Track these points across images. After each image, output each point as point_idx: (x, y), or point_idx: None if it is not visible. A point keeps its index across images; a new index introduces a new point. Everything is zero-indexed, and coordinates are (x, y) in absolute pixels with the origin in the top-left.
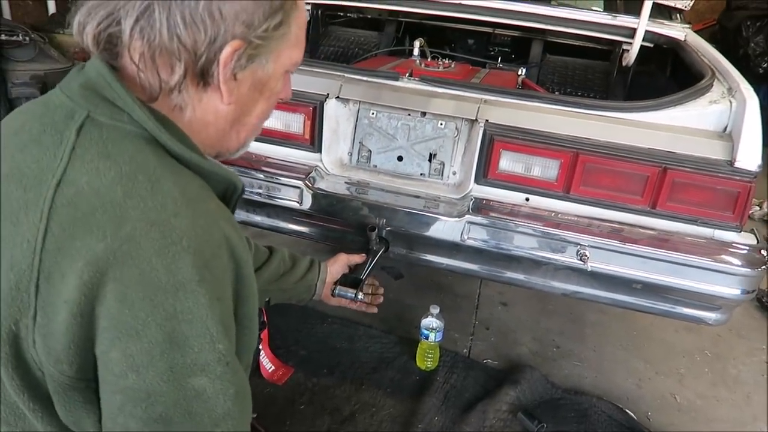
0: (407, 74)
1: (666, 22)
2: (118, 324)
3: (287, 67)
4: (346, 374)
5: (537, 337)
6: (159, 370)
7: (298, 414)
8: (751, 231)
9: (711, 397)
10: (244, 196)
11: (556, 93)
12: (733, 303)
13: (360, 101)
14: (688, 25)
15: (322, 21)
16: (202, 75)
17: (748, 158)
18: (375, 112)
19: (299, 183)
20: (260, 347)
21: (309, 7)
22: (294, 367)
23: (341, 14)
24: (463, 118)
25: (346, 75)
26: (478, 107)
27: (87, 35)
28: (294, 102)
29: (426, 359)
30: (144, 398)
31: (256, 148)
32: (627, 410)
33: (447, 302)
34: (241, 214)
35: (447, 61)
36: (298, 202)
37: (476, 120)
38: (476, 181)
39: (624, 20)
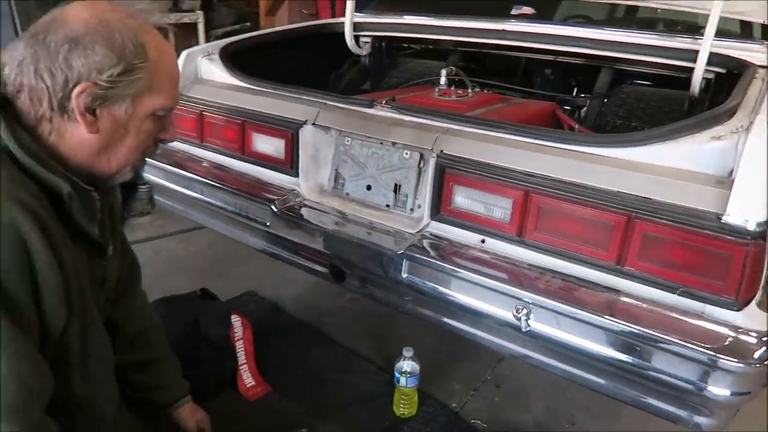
0: (384, 101)
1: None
2: None
3: (150, 110)
4: (319, 405)
5: (553, 406)
6: None
7: None
8: None
9: None
10: (227, 213)
11: (608, 128)
12: (719, 406)
13: (339, 129)
14: None
15: (387, 53)
16: (62, 107)
17: (741, 212)
18: (350, 140)
19: (270, 205)
20: (244, 360)
21: (369, 40)
22: (272, 387)
23: (405, 46)
24: (421, 148)
25: (326, 102)
26: (436, 137)
27: None
28: (276, 128)
29: (401, 405)
30: None
31: (248, 169)
32: None
33: (468, 350)
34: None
35: (463, 90)
36: (266, 223)
37: (431, 150)
38: (432, 216)
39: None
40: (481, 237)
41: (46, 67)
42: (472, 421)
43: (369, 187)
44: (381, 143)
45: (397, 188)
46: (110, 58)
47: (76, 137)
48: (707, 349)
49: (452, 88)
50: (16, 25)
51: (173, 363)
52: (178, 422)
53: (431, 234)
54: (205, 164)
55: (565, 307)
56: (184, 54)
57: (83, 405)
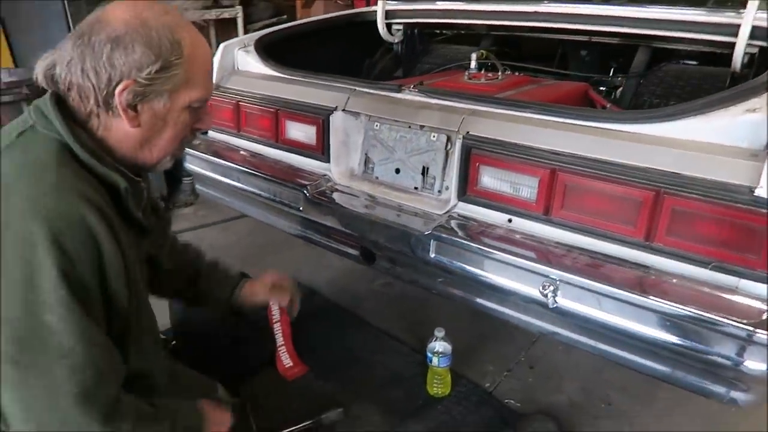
0: (411, 86)
1: None
2: None
3: (186, 103)
4: (355, 385)
5: (588, 387)
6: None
7: (285, 410)
8: None
9: None
10: (261, 199)
11: (645, 107)
12: (755, 380)
13: (368, 114)
14: None
15: (419, 39)
16: (107, 104)
17: None
18: (378, 124)
19: (303, 190)
20: (282, 342)
21: (401, 27)
22: (310, 367)
23: (438, 31)
24: (448, 130)
25: (355, 88)
26: (462, 119)
27: (38, 75)
28: (308, 115)
29: (434, 385)
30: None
31: (282, 156)
32: None
33: (501, 333)
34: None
35: (493, 73)
36: (299, 208)
37: (457, 132)
38: (459, 197)
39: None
40: (507, 216)
41: (92, 67)
42: (506, 401)
43: (398, 171)
44: (409, 127)
45: (425, 171)
46: (148, 57)
47: (120, 131)
48: (743, 323)
49: (483, 72)
50: (69, 26)
51: (215, 264)
52: (251, 301)
53: (458, 215)
54: (241, 153)
55: (592, 283)
56: (221, 46)
57: (137, 376)
